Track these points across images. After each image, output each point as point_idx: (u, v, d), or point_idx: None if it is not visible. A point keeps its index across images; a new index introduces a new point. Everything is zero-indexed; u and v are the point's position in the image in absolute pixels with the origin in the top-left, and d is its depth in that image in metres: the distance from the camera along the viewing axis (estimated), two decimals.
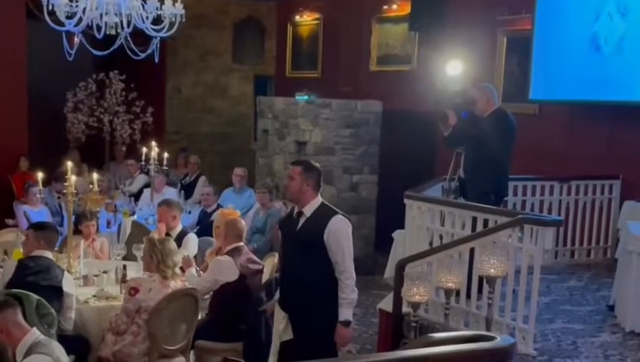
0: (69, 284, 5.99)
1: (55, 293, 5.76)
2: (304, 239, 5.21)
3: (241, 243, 6.64)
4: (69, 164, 7.29)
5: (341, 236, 5.20)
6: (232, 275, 6.38)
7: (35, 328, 4.41)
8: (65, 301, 5.90)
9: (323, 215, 5.24)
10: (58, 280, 5.89)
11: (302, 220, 5.29)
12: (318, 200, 5.31)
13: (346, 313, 5.18)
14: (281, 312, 5.42)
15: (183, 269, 6.53)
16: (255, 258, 6.73)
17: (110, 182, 12.23)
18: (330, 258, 5.18)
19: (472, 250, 6.21)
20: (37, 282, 5.54)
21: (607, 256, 8.84)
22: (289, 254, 5.39)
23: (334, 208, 5.36)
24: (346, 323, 5.19)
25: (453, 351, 3.05)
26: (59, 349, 4.47)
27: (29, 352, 4.27)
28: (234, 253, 6.50)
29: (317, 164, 5.47)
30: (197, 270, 6.78)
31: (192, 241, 7.78)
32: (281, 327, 5.38)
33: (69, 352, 5.33)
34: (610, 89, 8.71)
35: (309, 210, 5.27)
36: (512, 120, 7.15)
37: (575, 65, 9.12)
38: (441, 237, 6.87)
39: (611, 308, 6.92)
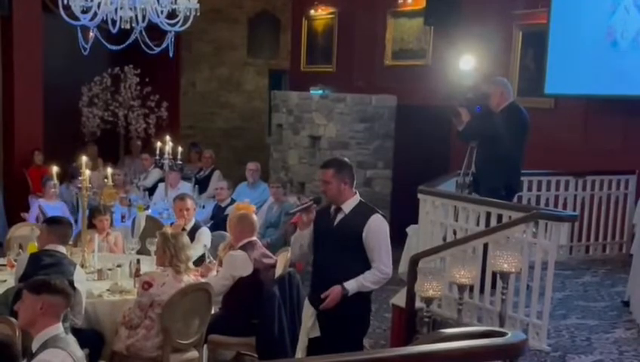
0: (79, 279, 6.00)
1: None
2: (341, 235, 5.19)
3: (254, 238, 6.64)
4: (84, 158, 7.32)
5: (380, 235, 5.20)
6: (247, 270, 6.38)
7: (61, 323, 4.45)
8: (75, 296, 5.91)
9: (362, 212, 5.22)
10: (70, 274, 5.91)
11: (339, 216, 5.26)
12: (357, 197, 5.30)
13: (353, 286, 5.11)
14: (309, 308, 5.39)
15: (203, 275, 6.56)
16: (268, 252, 6.73)
17: (126, 177, 12.26)
18: (367, 255, 5.18)
19: (485, 245, 6.19)
20: (48, 275, 5.54)
21: (622, 252, 8.79)
22: (323, 250, 5.34)
23: (372, 206, 5.36)
24: (345, 292, 5.11)
25: (464, 347, 3.05)
26: (74, 343, 4.51)
27: (45, 344, 4.30)
28: (247, 247, 6.50)
29: (346, 159, 5.45)
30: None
31: (205, 235, 7.81)
32: (309, 324, 5.37)
33: (83, 346, 5.33)
34: (627, 83, 8.65)
35: (347, 207, 5.25)
36: (524, 115, 7.12)
37: (591, 60, 9.07)
38: (454, 233, 6.85)
39: (626, 303, 6.88)
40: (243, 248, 6.49)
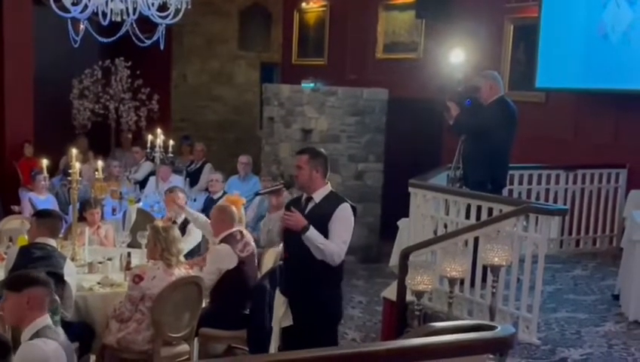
0: (69, 273, 5.99)
1: (56, 281, 5.72)
2: (311, 224, 5.21)
3: (235, 229, 6.64)
4: (74, 151, 7.29)
5: (344, 220, 5.22)
6: (232, 262, 6.41)
7: (48, 315, 4.46)
8: (65, 289, 5.90)
9: (332, 201, 5.27)
10: (60, 267, 5.90)
11: (310, 205, 5.31)
12: (328, 187, 5.34)
13: (314, 232, 5.07)
14: (281, 297, 5.43)
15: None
16: (248, 240, 6.72)
17: (121, 168, 12.24)
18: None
19: (476, 239, 6.20)
20: (38, 269, 5.52)
21: (612, 245, 8.81)
22: (294, 238, 5.35)
23: (343, 197, 5.39)
24: (307, 227, 5.08)
25: (453, 341, 3.06)
26: (63, 334, 4.52)
27: (36, 335, 4.30)
28: (230, 239, 6.52)
29: (322, 150, 5.49)
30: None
31: (196, 228, 7.79)
32: (280, 313, 5.39)
33: (73, 339, 5.34)
34: (618, 77, 8.67)
35: (318, 196, 5.29)
36: (512, 108, 7.11)
37: (582, 54, 9.08)
38: (445, 226, 6.86)
39: (616, 297, 6.91)
40: (225, 241, 6.51)
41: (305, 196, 5.37)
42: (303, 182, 5.31)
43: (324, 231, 5.16)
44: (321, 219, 5.19)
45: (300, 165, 5.29)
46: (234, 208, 6.82)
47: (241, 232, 6.70)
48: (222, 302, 6.43)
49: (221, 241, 6.55)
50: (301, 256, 5.19)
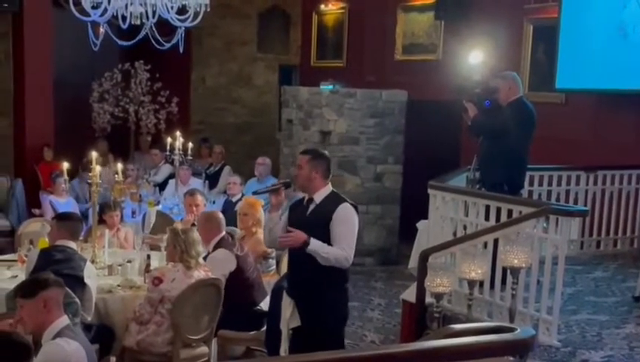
0: (89, 275, 6.01)
1: (77, 283, 5.78)
2: (313, 225, 5.21)
3: (223, 233, 6.71)
4: (94, 153, 7.34)
5: (346, 220, 5.22)
6: (233, 264, 6.47)
7: (65, 315, 4.49)
8: (85, 291, 5.93)
9: (332, 202, 5.27)
10: (80, 269, 5.93)
11: (311, 207, 5.32)
12: (328, 188, 5.35)
13: (315, 244, 5.06)
14: (288, 299, 5.45)
15: None
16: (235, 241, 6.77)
17: (138, 171, 12.29)
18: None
19: (496, 241, 6.17)
20: (59, 271, 5.54)
21: (633, 247, 8.75)
22: None
23: (344, 197, 5.40)
24: (307, 242, 5.06)
25: (473, 343, 3.05)
26: (84, 337, 4.55)
27: (57, 336, 4.32)
28: (222, 243, 6.61)
29: (325, 152, 5.51)
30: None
31: None
32: (288, 314, 5.40)
33: (93, 341, 5.38)
34: (638, 78, 8.61)
35: (319, 196, 5.30)
36: (530, 109, 7.08)
37: (602, 54, 9.03)
38: (464, 228, 6.84)
39: (637, 299, 6.86)
40: (219, 246, 6.60)
41: (307, 197, 5.39)
42: (302, 181, 5.34)
43: (327, 232, 5.17)
44: (322, 220, 5.21)
45: (301, 165, 5.31)
46: (220, 214, 6.90)
47: (230, 234, 6.78)
48: (231, 304, 6.42)
49: (215, 248, 6.59)
50: (304, 259, 5.19)
